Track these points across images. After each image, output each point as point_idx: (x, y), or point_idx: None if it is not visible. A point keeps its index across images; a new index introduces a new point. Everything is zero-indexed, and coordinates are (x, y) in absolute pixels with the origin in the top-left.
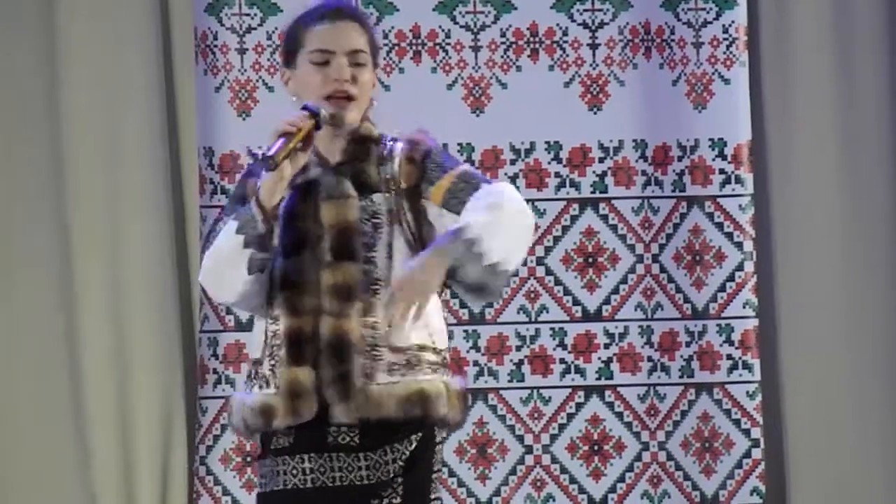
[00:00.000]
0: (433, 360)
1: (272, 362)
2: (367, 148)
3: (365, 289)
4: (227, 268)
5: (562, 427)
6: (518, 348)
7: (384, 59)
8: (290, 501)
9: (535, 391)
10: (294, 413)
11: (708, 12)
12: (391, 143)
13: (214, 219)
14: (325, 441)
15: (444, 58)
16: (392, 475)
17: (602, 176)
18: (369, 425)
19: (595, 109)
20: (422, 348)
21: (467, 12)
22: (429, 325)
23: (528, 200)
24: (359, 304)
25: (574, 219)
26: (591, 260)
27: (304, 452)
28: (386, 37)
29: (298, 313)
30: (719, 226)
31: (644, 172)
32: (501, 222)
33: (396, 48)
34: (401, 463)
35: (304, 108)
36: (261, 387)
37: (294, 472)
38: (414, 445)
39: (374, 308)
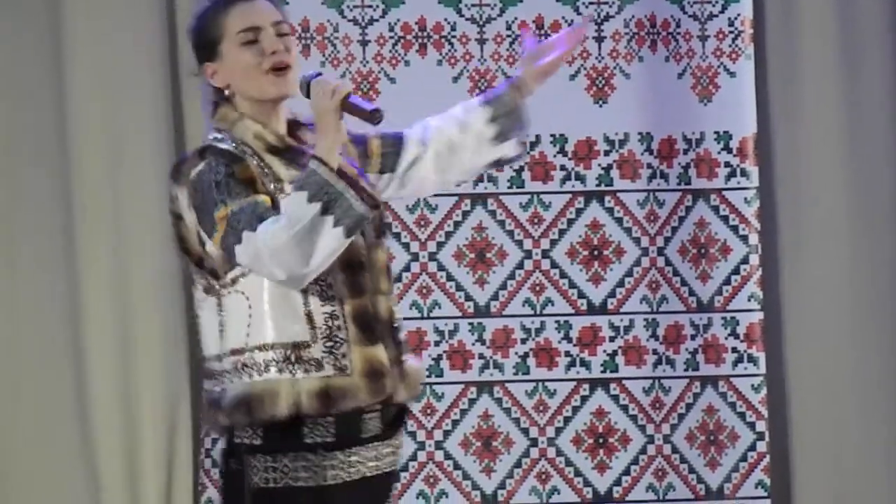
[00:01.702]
0: None
1: (329, 344)
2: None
3: None
4: (308, 237)
5: (567, 420)
6: (523, 341)
7: (390, 51)
8: (342, 494)
9: (540, 384)
10: (376, 392)
11: (714, 5)
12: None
13: (237, 210)
14: (362, 432)
15: (449, 50)
16: (398, 460)
17: (607, 169)
18: (387, 411)
19: (600, 102)
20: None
21: (473, 5)
22: None
23: (533, 193)
24: None
25: (579, 212)
26: (596, 253)
27: (350, 445)
28: (391, 29)
29: (363, 293)
30: (724, 219)
31: (649, 165)
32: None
33: (402, 41)
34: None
35: (308, 79)
36: (308, 371)
37: (341, 465)
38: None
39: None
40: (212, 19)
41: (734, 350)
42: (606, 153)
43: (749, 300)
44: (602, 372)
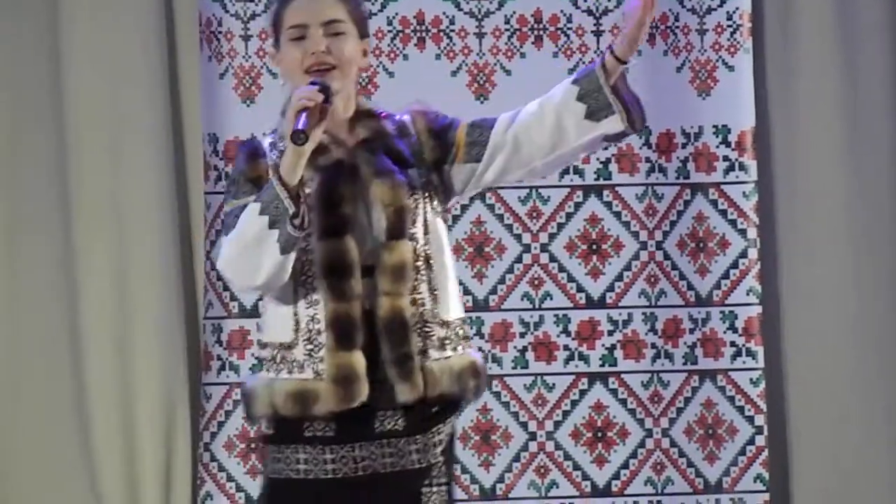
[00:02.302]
0: (468, 333)
1: (309, 347)
2: (381, 122)
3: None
4: (254, 250)
5: (565, 414)
6: (522, 335)
7: (389, 45)
8: (342, 490)
9: (538, 378)
10: (346, 398)
11: None
12: (399, 116)
13: (228, 211)
14: (372, 427)
15: (448, 44)
16: (438, 456)
17: (606, 163)
18: (413, 408)
19: None
20: (463, 321)
21: None
22: (460, 300)
23: (531, 188)
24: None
25: (578, 206)
26: (594, 247)
27: (353, 441)
28: (390, 23)
29: (345, 297)
30: (723, 213)
31: (648, 159)
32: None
33: (401, 35)
34: (444, 444)
35: (312, 83)
36: (290, 371)
37: (344, 460)
38: (451, 425)
39: (420, 285)
40: (277, 9)
41: (733, 344)
42: (605, 147)
43: (748, 294)
44: (601, 366)
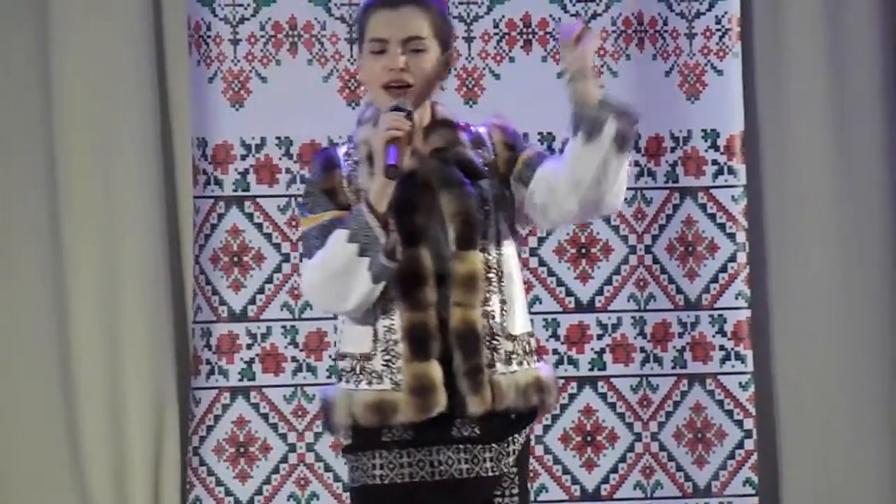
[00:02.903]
0: (535, 347)
1: (387, 357)
2: (457, 132)
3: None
4: (343, 278)
5: (555, 418)
6: None
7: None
8: (419, 494)
9: None
10: (423, 409)
11: (701, 3)
12: (476, 127)
13: (306, 231)
14: (450, 433)
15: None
16: (511, 466)
17: None
18: (489, 416)
19: None
20: (530, 335)
21: (460, 3)
22: (527, 313)
23: None
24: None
25: None
26: (584, 251)
27: (431, 445)
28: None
29: (421, 307)
30: (712, 217)
31: (637, 163)
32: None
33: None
34: (518, 453)
35: (394, 108)
36: (370, 382)
37: (421, 464)
38: (525, 435)
39: (491, 297)
40: (360, 18)
41: (722, 348)
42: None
43: (737, 298)
44: (590, 370)
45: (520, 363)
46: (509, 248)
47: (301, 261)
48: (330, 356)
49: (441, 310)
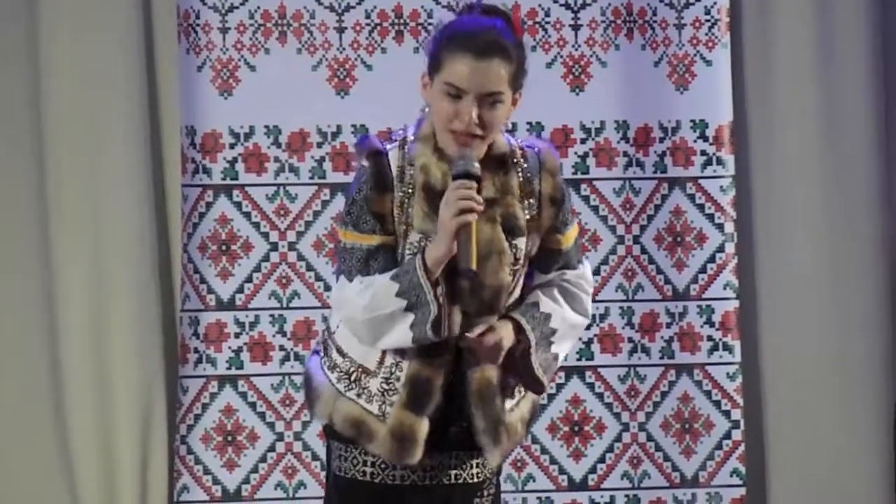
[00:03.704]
0: None
1: (385, 386)
2: (509, 172)
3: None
4: (384, 324)
5: (542, 407)
6: None
7: (367, 38)
8: (407, 496)
9: None
10: (398, 455)
11: None
12: (529, 156)
13: (348, 247)
14: (442, 439)
15: (426, 38)
16: (493, 472)
17: (584, 157)
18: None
19: (577, 90)
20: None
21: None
22: None
23: None
24: None
25: None
26: None
27: (427, 450)
28: (368, 16)
29: (433, 366)
30: (700, 207)
31: (625, 153)
32: (579, 331)
33: (379, 28)
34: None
35: (464, 173)
36: (360, 395)
37: (413, 468)
38: None
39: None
40: (443, 46)
41: (709, 338)
42: (583, 141)
43: (725, 288)
44: (577, 360)
45: (519, 391)
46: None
47: (338, 273)
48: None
49: (450, 374)
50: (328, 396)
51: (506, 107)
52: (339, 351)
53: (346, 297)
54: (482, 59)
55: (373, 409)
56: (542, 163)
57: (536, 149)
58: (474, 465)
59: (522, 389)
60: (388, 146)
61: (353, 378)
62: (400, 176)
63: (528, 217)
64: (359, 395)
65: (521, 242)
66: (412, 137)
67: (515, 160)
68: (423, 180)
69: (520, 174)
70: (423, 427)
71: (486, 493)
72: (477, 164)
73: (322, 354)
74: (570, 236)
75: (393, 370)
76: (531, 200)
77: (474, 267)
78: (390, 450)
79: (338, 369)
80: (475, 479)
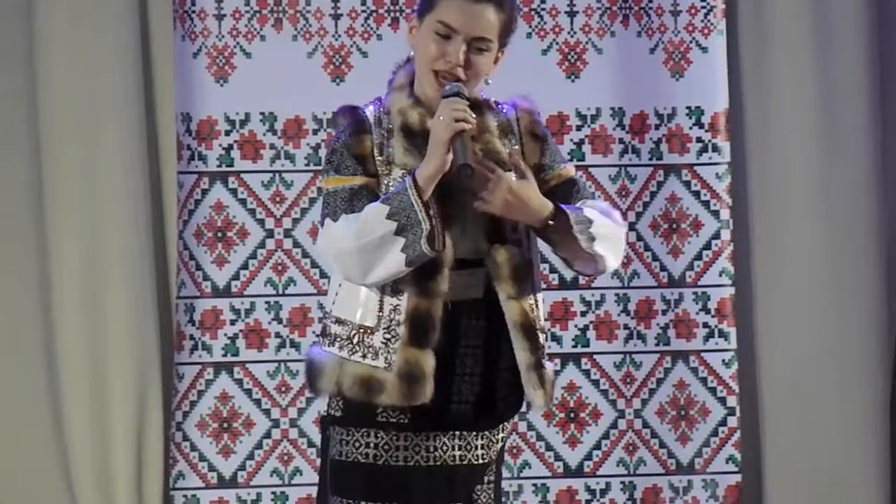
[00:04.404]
0: None
1: (387, 336)
2: (486, 116)
3: None
4: (374, 252)
5: None
6: None
7: (362, 25)
8: (413, 478)
9: None
10: (409, 396)
11: None
12: (505, 108)
13: (332, 191)
14: (444, 419)
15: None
16: (496, 454)
17: (579, 144)
18: (480, 404)
19: (573, 77)
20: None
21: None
22: None
23: None
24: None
25: None
26: None
27: (430, 430)
28: (364, 3)
29: (430, 295)
30: (696, 194)
31: (621, 140)
32: (616, 232)
33: (374, 15)
34: (503, 442)
35: (456, 93)
36: (364, 356)
37: (416, 448)
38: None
39: (530, 291)
40: None
41: (705, 325)
42: (578, 128)
43: (720, 275)
44: (573, 347)
45: (547, 358)
46: (535, 241)
47: (322, 219)
48: (313, 332)
49: (448, 303)
50: (332, 367)
51: (490, 57)
52: (338, 321)
53: (333, 235)
54: (478, 1)
55: (379, 363)
56: (518, 105)
57: (511, 100)
58: (478, 447)
59: (545, 357)
60: (363, 105)
61: (355, 341)
62: (377, 123)
63: (509, 152)
64: (364, 356)
65: (510, 176)
66: (386, 90)
67: (490, 106)
68: (400, 122)
69: (495, 116)
70: (430, 360)
71: (486, 480)
72: (466, 90)
73: (320, 340)
74: (569, 169)
75: (392, 316)
76: (510, 137)
77: (470, 161)
78: (401, 393)
79: (338, 340)
80: (479, 461)
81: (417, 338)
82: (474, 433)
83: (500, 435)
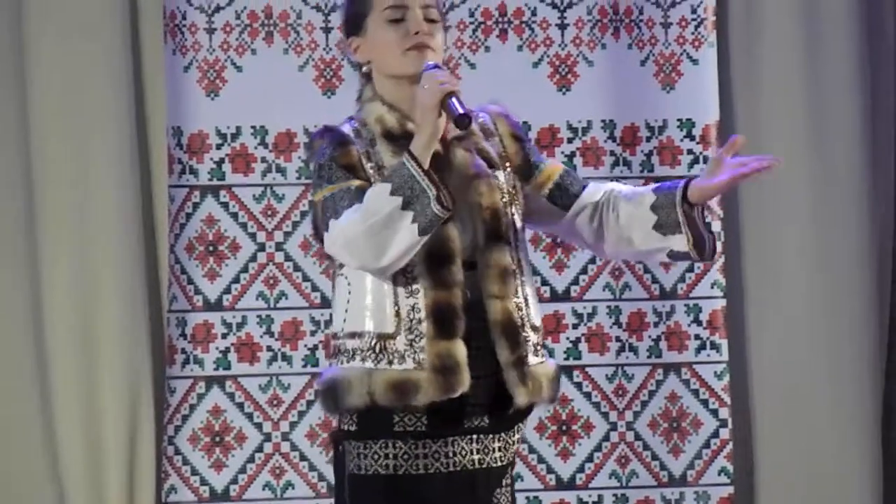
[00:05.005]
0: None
1: (410, 337)
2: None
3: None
4: (384, 231)
5: None
6: None
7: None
8: (435, 486)
9: None
10: (447, 388)
11: None
12: (480, 114)
13: (328, 196)
14: (461, 423)
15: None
16: (512, 456)
17: (571, 156)
18: (494, 406)
19: (564, 90)
20: (543, 328)
21: None
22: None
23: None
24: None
25: None
26: (559, 240)
27: (446, 435)
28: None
29: (448, 286)
30: None
31: (612, 153)
32: None
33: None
34: (518, 444)
35: (434, 66)
36: (391, 362)
37: (436, 455)
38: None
39: (518, 289)
40: None
41: (697, 337)
42: (569, 140)
43: (712, 287)
44: (565, 359)
45: (543, 356)
46: (525, 240)
47: (325, 224)
48: (306, 346)
49: (468, 291)
50: (359, 379)
51: (440, 31)
52: (353, 335)
53: (340, 226)
54: None
55: (407, 365)
56: (490, 111)
57: (482, 107)
58: (496, 449)
59: (542, 354)
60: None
61: (377, 350)
62: (357, 135)
63: (499, 152)
64: (390, 363)
65: (500, 175)
66: (357, 107)
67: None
68: (380, 129)
69: (476, 122)
70: (461, 349)
71: (504, 483)
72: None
73: (334, 361)
74: (556, 163)
75: (412, 316)
76: (493, 139)
77: (464, 111)
78: (438, 387)
79: (358, 353)
80: (498, 464)
81: (444, 330)
82: (491, 436)
83: (516, 436)
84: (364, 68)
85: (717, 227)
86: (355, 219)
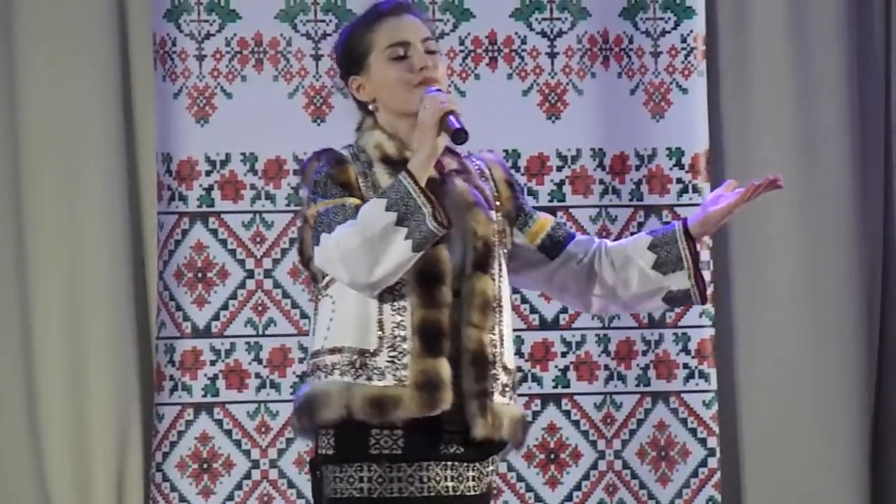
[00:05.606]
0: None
1: (392, 354)
2: (464, 160)
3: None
4: (377, 245)
5: None
6: None
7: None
8: None
9: None
10: (430, 405)
11: (666, 22)
12: (474, 159)
13: (323, 210)
14: (437, 449)
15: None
16: (488, 487)
17: (560, 184)
18: (468, 435)
19: (553, 118)
20: (517, 370)
21: (426, 20)
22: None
23: None
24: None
25: None
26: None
27: (422, 460)
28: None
29: (436, 304)
30: None
31: (602, 181)
32: None
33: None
34: (495, 476)
35: (436, 91)
36: (370, 378)
37: (410, 479)
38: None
39: (495, 326)
40: (360, 34)
41: (685, 366)
42: (559, 169)
43: (700, 316)
44: (554, 387)
45: (510, 398)
46: (507, 282)
47: (317, 238)
48: (294, 373)
49: (453, 314)
50: (338, 393)
51: (440, 61)
52: (333, 351)
53: (333, 240)
54: (403, 13)
55: (388, 382)
56: (487, 159)
57: (476, 155)
58: (470, 478)
59: (511, 398)
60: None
61: (357, 365)
62: (355, 158)
63: (493, 194)
64: (369, 379)
65: (494, 215)
66: (356, 136)
67: (464, 156)
68: (379, 154)
69: (471, 164)
70: (445, 367)
71: None
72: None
73: (313, 376)
74: (548, 215)
75: (395, 333)
76: (488, 182)
77: (461, 126)
78: (420, 403)
79: (338, 367)
80: (472, 493)
81: (431, 347)
82: (465, 464)
83: (491, 468)
84: (370, 107)
85: (705, 256)
86: (349, 232)
